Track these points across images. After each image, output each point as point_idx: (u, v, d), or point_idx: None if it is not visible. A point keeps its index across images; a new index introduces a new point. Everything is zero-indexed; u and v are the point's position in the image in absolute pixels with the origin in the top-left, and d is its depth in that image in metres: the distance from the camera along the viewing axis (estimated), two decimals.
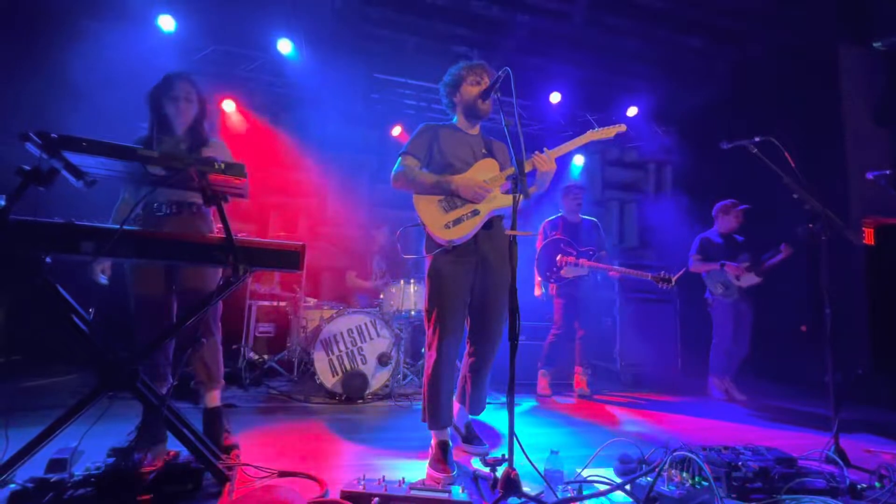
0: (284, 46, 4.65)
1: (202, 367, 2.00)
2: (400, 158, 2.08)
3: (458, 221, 1.96)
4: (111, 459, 1.51)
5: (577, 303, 3.79)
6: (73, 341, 1.46)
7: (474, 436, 2.20)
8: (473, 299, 2.03)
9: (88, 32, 4.26)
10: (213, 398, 2.03)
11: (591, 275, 3.85)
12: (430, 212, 1.98)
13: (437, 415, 1.93)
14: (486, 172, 2.05)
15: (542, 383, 3.75)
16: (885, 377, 3.88)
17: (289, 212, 5.26)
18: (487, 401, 3.14)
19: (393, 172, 2.05)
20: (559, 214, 3.99)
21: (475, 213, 1.98)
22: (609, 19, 4.56)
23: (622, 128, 2.13)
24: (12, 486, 1.34)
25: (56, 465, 1.48)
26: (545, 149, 2.02)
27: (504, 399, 3.30)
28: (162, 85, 2.04)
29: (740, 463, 1.70)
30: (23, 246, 1.35)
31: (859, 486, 1.67)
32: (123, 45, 4.36)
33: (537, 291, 3.89)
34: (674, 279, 3.51)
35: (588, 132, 2.12)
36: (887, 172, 2.43)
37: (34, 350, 3.78)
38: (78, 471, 1.45)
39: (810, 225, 2.32)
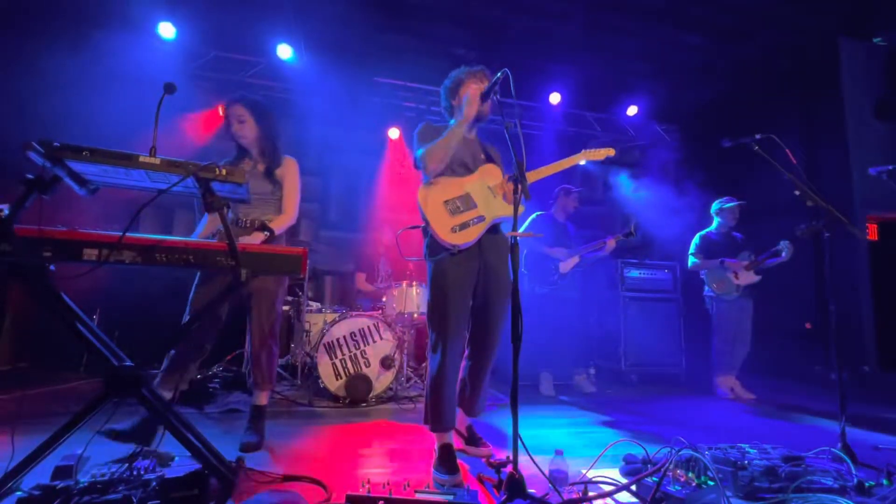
0: (284, 51, 4.67)
1: (259, 370, 2.25)
2: (421, 151, 2.01)
3: (464, 226, 1.95)
4: (116, 467, 1.51)
5: (564, 302, 3.81)
6: (78, 348, 1.47)
7: (477, 438, 2.20)
8: (475, 302, 2.03)
9: (90, 40, 4.30)
10: (262, 397, 2.31)
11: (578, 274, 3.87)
12: (437, 213, 1.96)
13: (441, 418, 1.93)
14: (491, 178, 2.07)
15: (545, 384, 3.74)
16: (892, 373, 3.86)
17: None
18: (489, 402, 3.14)
19: (420, 156, 1.97)
20: (547, 213, 4.00)
21: (480, 218, 1.99)
22: (608, 19, 4.56)
23: (611, 152, 2.32)
24: (18, 493, 1.34)
25: (62, 472, 1.48)
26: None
27: (506, 400, 3.30)
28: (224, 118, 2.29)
29: (747, 462, 1.69)
30: (27, 254, 1.36)
31: (868, 484, 1.66)
32: (124, 52, 4.40)
33: (566, 266, 3.77)
34: (633, 230, 3.63)
35: (582, 152, 2.26)
36: (890, 168, 2.41)
37: (40, 357, 3.80)
38: (84, 478, 1.45)
39: (813, 222, 2.32)
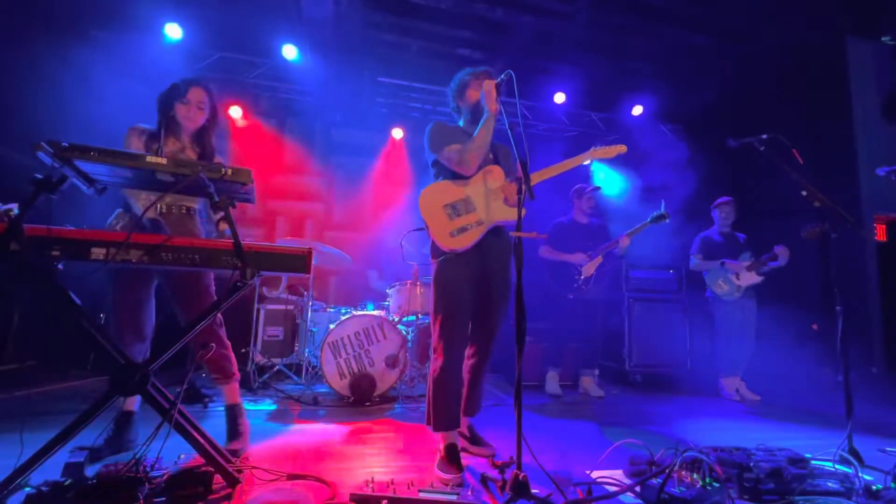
0: (289, 52, 4.69)
1: (214, 367, 2.09)
2: (444, 153, 1.99)
3: (462, 230, 1.96)
4: (123, 463, 1.52)
5: (588, 304, 3.79)
6: (86, 347, 1.49)
7: (479, 437, 2.20)
8: (477, 302, 2.03)
9: (97, 42, 4.33)
10: (229, 394, 2.13)
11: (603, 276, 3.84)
12: (436, 218, 1.97)
13: (445, 417, 1.93)
14: (493, 180, 2.07)
15: (551, 384, 3.74)
16: None
17: (295, 216, 5.31)
18: (495, 402, 3.14)
19: (457, 155, 1.95)
20: (566, 217, 3.97)
21: (479, 222, 1.99)
22: (612, 19, 4.55)
23: (622, 149, 2.20)
24: (27, 489, 1.36)
25: (71, 468, 1.50)
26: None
27: (510, 400, 3.30)
28: (174, 88, 2.07)
29: (752, 464, 1.68)
30: (36, 253, 1.38)
31: (874, 487, 1.64)
32: (131, 54, 4.44)
33: (589, 270, 3.73)
34: (664, 212, 3.52)
35: (591, 149, 2.18)
36: None
37: (48, 356, 3.84)
38: (92, 473, 1.47)
39: (816, 223, 2.31)
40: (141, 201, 1.98)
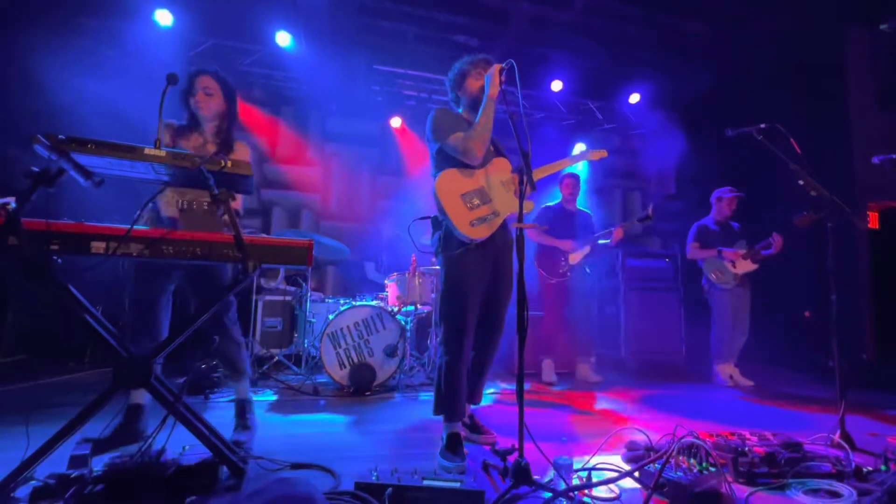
0: (283, 39, 4.62)
1: (226, 363, 2.15)
2: (449, 142, 1.98)
3: (481, 221, 1.96)
4: (129, 455, 1.53)
5: (571, 291, 3.83)
6: (81, 340, 1.48)
7: (479, 426, 2.23)
8: (485, 294, 2.04)
9: (86, 29, 4.24)
10: (241, 390, 2.20)
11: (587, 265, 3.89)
12: (456, 206, 1.94)
13: (453, 408, 1.95)
14: (502, 172, 2.07)
15: (547, 371, 3.78)
16: (890, 361, 3.90)
17: (292, 206, 5.27)
18: (496, 391, 3.18)
19: (462, 143, 1.93)
20: (557, 202, 4.01)
21: (496, 214, 1.99)
22: (609, 5, 4.51)
23: (604, 153, 2.44)
24: (33, 482, 1.36)
25: (77, 460, 1.50)
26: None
27: (510, 389, 3.34)
28: (186, 82, 2.12)
29: (747, 448, 1.72)
30: (35, 247, 1.37)
31: (865, 470, 1.69)
32: (121, 41, 4.35)
33: (575, 258, 3.80)
34: (650, 213, 3.60)
35: (590, 151, 2.39)
36: (893, 156, 2.41)
37: (43, 349, 3.82)
38: (98, 466, 1.48)
39: (809, 211, 2.33)
40: (164, 198, 2.02)
